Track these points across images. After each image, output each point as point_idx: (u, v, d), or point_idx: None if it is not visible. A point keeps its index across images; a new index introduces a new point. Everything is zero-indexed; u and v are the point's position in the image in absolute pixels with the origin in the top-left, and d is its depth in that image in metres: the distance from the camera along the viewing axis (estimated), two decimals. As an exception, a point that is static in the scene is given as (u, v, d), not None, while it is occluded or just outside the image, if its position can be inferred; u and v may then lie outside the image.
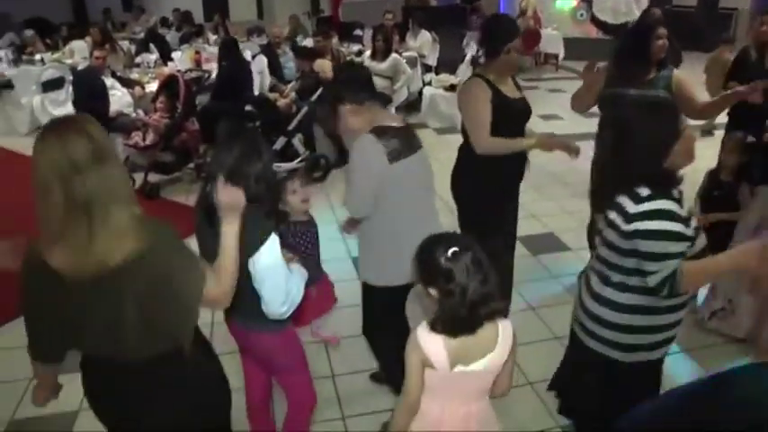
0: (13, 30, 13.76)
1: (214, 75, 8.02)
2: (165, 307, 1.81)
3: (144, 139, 6.35)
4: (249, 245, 2.15)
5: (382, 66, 7.57)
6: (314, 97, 6.65)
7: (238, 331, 2.60)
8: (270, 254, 2.19)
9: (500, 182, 3.61)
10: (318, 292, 3.41)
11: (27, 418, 3.42)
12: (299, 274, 2.40)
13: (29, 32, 11.90)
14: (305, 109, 6.56)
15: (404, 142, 2.74)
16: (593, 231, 4.34)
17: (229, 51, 7.37)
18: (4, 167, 8.01)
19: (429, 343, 1.98)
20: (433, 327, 1.98)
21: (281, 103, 6.95)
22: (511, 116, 3.47)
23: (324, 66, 6.90)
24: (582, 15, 13.25)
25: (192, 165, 6.53)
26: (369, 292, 3.05)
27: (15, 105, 9.12)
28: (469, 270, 1.91)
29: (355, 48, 9.91)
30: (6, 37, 13.04)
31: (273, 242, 2.21)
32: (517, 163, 3.62)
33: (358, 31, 11.78)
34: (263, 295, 2.23)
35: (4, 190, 6.92)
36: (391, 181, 2.71)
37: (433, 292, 1.99)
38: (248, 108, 6.66)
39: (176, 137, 6.30)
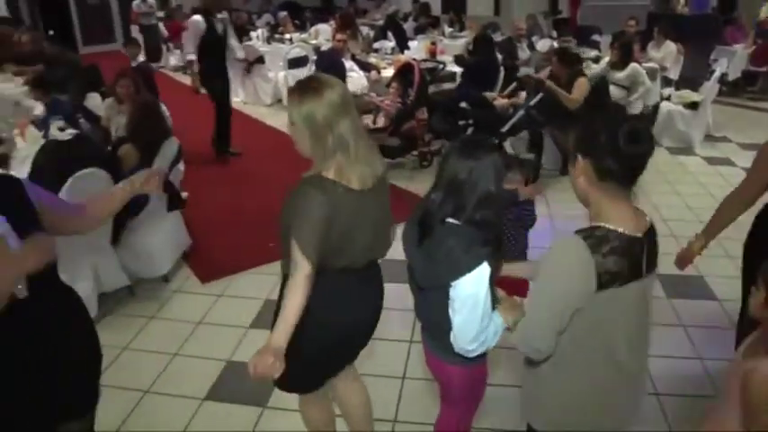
0: (270, 11, 15.07)
1: (449, 67, 8.15)
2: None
3: (374, 122, 6.63)
4: (454, 267, 2.04)
5: (620, 75, 7.19)
6: (533, 102, 6.42)
7: (426, 349, 2.48)
8: (474, 284, 2.04)
9: None
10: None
11: (241, 362, 3.72)
12: (499, 327, 2.19)
13: (282, 14, 12.97)
14: (521, 113, 6.32)
15: (629, 262, 1.81)
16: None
17: (482, 46, 7.41)
18: (249, 133, 8.84)
19: None
20: None
21: (499, 103, 6.79)
22: None
23: (582, 87, 6.37)
24: None
25: (415, 152, 6.67)
26: None
27: (264, 78, 10.07)
28: None
29: (592, 53, 9.52)
30: (264, 17, 14.33)
31: (481, 273, 2.04)
32: None
33: (596, 36, 11.31)
34: (455, 324, 2.09)
35: (251, 153, 7.62)
36: (596, 312, 1.85)
37: None
38: (463, 105, 6.56)
39: (405, 123, 6.47)
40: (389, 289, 2.60)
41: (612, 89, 7.11)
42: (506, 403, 3.30)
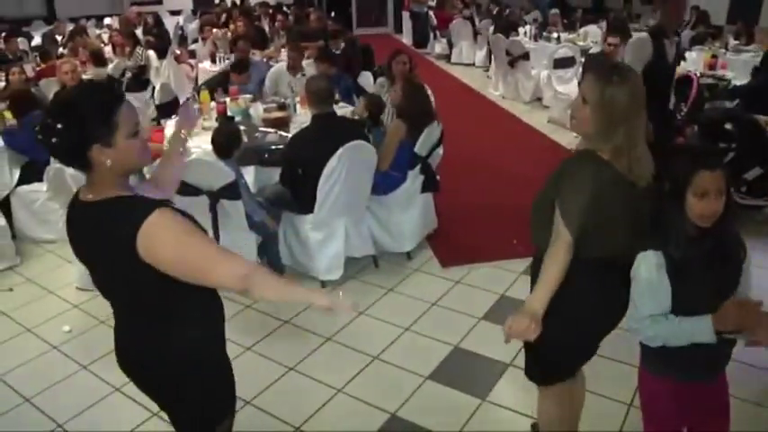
0: (539, 8, 14.93)
1: (734, 83, 7.45)
2: None
3: (639, 134, 6.27)
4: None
5: None
6: None
7: None
8: (643, 266, 2.08)
9: None
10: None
11: (468, 351, 3.77)
12: (695, 331, 2.02)
13: (553, 11, 12.76)
14: None
15: None
16: None
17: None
18: (504, 127, 8.91)
19: None
20: None
21: None
22: None
23: None
24: None
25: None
26: None
27: (526, 75, 10.02)
28: None
29: None
30: (533, 14, 14.25)
31: (650, 258, 2.05)
32: None
33: None
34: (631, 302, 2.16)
35: (505, 150, 7.64)
36: None
37: None
38: (727, 126, 5.78)
39: (673, 139, 6.02)
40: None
41: None
42: None
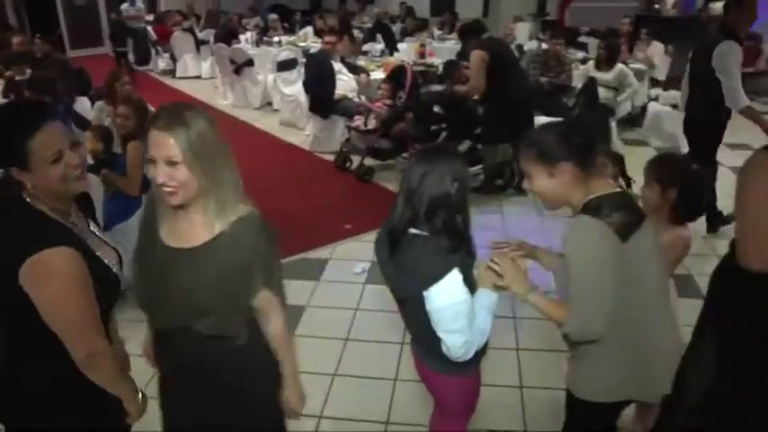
0: (260, 14, 15.09)
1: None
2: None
3: (365, 124, 6.64)
4: (421, 278, 1.98)
5: (607, 76, 7.23)
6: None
7: (416, 359, 2.40)
8: (446, 296, 1.97)
9: None
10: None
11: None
12: (489, 305, 2.10)
13: (272, 17, 13.00)
14: None
15: (627, 212, 1.97)
16: None
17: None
18: (237, 135, 8.84)
19: None
20: None
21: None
22: None
23: (473, 63, 5.84)
24: None
25: (406, 154, 6.66)
26: (581, 407, 2.24)
27: (252, 81, 10.08)
28: None
29: (579, 55, 9.57)
30: (254, 20, 14.38)
31: (452, 283, 1.97)
32: None
33: (583, 38, 11.37)
34: (441, 337, 2.02)
35: (243, 157, 7.56)
36: (627, 266, 1.95)
37: None
38: (436, 109, 6.15)
39: (396, 125, 6.46)
40: (379, 291, 2.56)
41: (601, 90, 7.16)
42: (501, 404, 3.33)
